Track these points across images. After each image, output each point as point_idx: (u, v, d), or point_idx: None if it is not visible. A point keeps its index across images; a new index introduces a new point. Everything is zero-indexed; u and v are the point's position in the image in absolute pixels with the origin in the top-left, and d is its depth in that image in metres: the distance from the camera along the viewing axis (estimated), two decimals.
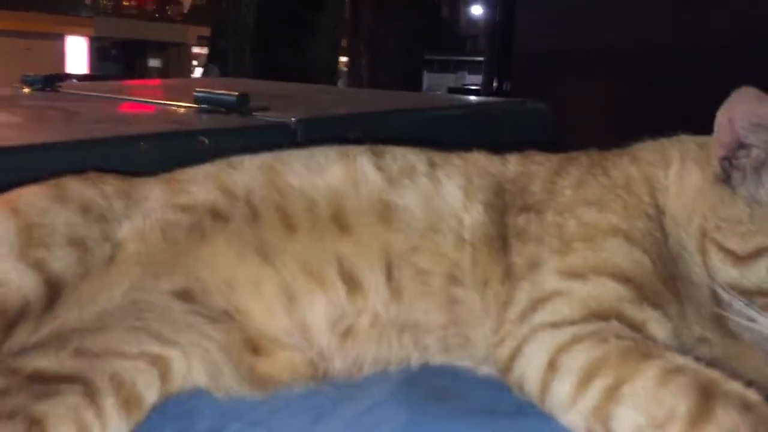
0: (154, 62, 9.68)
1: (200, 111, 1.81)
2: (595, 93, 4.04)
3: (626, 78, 3.94)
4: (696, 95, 3.39)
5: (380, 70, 7.49)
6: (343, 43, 7.70)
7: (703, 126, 1.06)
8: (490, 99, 2.68)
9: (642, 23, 3.84)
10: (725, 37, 3.51)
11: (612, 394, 0.80)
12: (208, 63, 6.73)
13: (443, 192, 1.06)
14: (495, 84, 5.18)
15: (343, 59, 8.23)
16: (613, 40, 3.92)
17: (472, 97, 3.49)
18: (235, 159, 1.12)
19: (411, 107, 2.15)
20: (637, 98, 3.86)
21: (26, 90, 2.25)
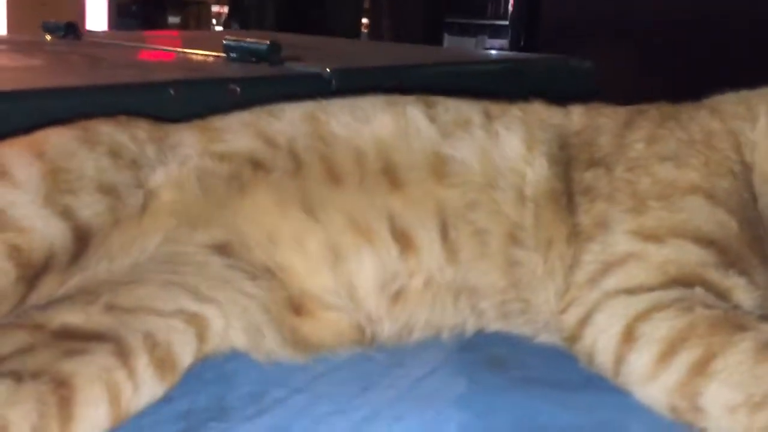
0: (173, 19, 9.58)
1: (229, 60, 1.72)
2: (622, 58, 3.93)
3: (652, 44, 3.83)
4: (723, 62, 3.29)
5: (402, 32, 7.34)
6: (366, 4, 7.56)
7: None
8: (531, 55, 2.56)
9: None
10: (750, 5, 3.40)
11: (701, 368, 0.72)
12: (228, 19, 6.61)
13: (502, 144, 0.97)
14: (521, 45, 5.06)
15: (365, 21, 8.10)
16: (641, 6, 3.80)
17: (512, 53, 3.37)
18: (275, 107, 1.03)
19: (450, 60, 2.04)
20: (663, 65, 3.75)
21: (48, 37, 2.17)
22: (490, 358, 0.89)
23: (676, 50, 3.69)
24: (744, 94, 0.99)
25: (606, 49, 3.92)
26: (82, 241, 0.83)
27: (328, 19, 6.19)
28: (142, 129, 0.97)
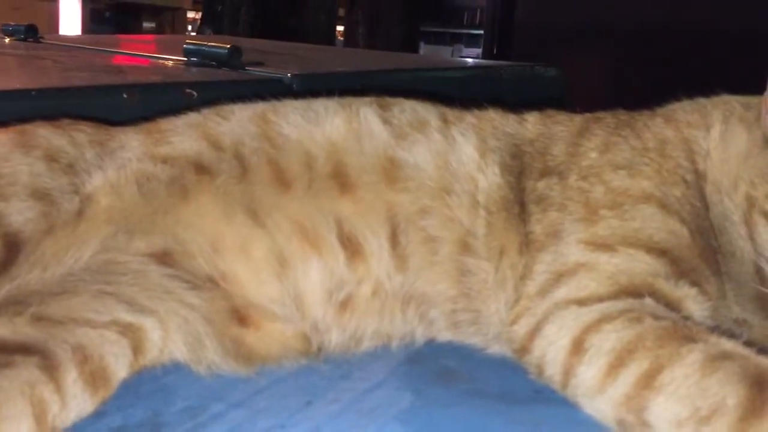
0: (148, 25, 9.51)
1: (189, 64, 1.69)
2: (596, 66, 3.95)
3: (626, 52, 3.86)
4: (697, 67, 3.31)
5: (377, 39, 7.33)
6: (341, 12, 7.54)
7: None
8: (497, 62, 2.56)
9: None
10: (721, 13, 3.44)
11: (648, 381, 0.70)
12: (202, 26, 6.57)
13: (458, 150, 0.95)
14: (495, 54, 5.07)
15: (340, 28, 8.08)
16: (614, 14, 3.83)
17: (479, 60, 3.37)
18: (224, 108, 1.01)
19: (414, 67, 2.03)
20: (636, 71, 3.77)
21: (7, 39, 2.12)
22: (439, 371, 0.87)
23: (651, 56, 3.72)
24: (699, 102, 0.98)
25: (580, 56, 3.93)
26: (11, 248, 0.80)
27: (303, 26, 6.17)
28: (83, 132, 0.94)
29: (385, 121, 0.96)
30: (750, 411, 0.65)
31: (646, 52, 3.74)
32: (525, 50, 4.28)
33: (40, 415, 0.69)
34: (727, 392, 0.66)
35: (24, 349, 0.72)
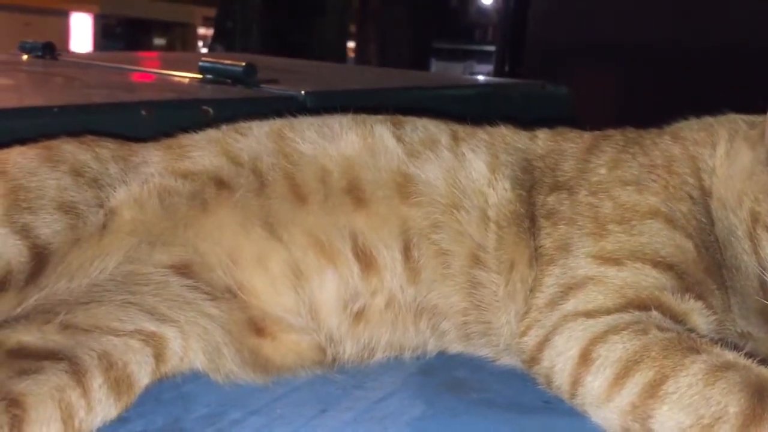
0: (158, 41, 9.60)
1: (205, 81, 1.72)
2: (607, 82, 3.98)
3: (637, 69, 3.89)
4: (705, 86, 3.34)
5: (389, 56, 7.39)
6: (352, 28, 7.61)
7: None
8: (508, 80, 2.59)
9: (651, 15, 3.79)
10: (729, 31, 3.47)
11: (653, 390, 0.72)
12: (213, 43, 6.65)
13: (468, 166, 0.98)
14: (507, 71, 5.11)
15: (351, 45, 8.15)
16: (624, 32, 3.86)
17: (489, 78, 3.40)
18: (243, 124, 1.04)
19: (427, 85, 2.06)
20: (648, 90, 3.80)
21: (24, 57, 2.17)
22: (451, 381, 0.89)
23: (660, 74, 3.74)
24: (705, 120, 1.00)
25: (590, 73, 3.97)
26: (40, 259, 0.83)
27: (314, 44, 6.24)
28: (106, 148, 0.97)
29: (399, 139, 0.99)
30: (751, 419, 0.67)
31: (657, 69, 3.77)
32: (536, 67, 4.32)
33: (67, 419, 0.72)
34: (728, 401, 0.69)
35: (52, 356, 0.75)
